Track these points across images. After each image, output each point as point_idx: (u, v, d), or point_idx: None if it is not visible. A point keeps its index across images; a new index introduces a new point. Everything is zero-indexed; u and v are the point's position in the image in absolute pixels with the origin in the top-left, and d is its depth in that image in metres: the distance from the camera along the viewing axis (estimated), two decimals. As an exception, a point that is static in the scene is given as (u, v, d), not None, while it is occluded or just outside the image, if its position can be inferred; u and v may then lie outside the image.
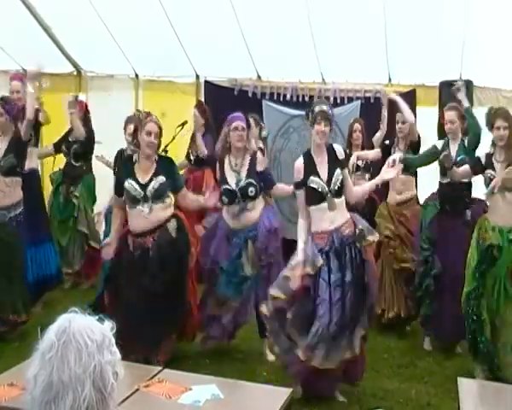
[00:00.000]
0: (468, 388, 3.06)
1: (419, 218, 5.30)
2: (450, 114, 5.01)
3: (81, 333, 1.47)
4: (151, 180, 4.22)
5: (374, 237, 4.01)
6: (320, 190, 3.95)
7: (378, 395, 4.23)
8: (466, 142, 4.98)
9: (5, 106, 5.05)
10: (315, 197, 3.97)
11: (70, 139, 6.35)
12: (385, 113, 5.95)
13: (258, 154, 4.79)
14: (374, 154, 5.79)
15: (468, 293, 4.37)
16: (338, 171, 3.98)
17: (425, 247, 5.06)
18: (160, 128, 4.31)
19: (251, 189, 4.57)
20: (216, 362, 4.62)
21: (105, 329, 1.54)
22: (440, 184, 5.09)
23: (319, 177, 3.97)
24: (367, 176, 6.11)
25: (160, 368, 3.04)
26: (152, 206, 4.19)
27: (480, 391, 3.21)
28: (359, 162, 6.03)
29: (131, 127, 4.85)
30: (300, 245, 3.97)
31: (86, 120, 6.34)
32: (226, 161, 4.67)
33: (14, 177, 5.05)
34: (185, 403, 2.73)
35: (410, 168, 5.22)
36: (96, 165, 6.42)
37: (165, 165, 4.33)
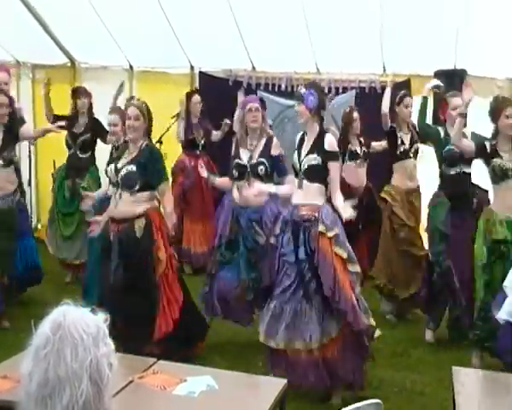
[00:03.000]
0: (462, 377, 3.06)
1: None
2: (458, 100, 4.85)
3: (76, 327, 1.45)
4: (123, 166, 4.10)
5: (332, 233, 3.94)
6: (294, 164, 4.09)
7: (373, 384, 4.25)
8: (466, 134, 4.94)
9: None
10: (294, 171, 4.12)
11: (75, 131, 6.27)
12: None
13: (275, 139, 4.79)
14: (383, 146, 5.95)
15: (480, 287, 4.36)
16: (314, 155, 3.98)
17: (439, 245, 4.96)
18: (143, 111, 4.14)
19: (261, 167, 4.61)
20: (211, 353, 4.63)
21: (99, 320, 1.54)
22: (446, 175, 4.98)
23: (299, 155, 4.05)
24: (365, 165, 6.15)
25: (154, 359, 3.04)
26: (122, 193, 4.08)
27: (474, 380, 3.23)
28: (358, 150, 6.07)
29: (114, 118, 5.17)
30: (272, 189, 4.32)
31: (90, 109, 6.34)
32: (243, 142, 4.72)
33: (11, 166, 5.19)
34: (180, 394, 2.72)
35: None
36: (99, 157, 6.37)
37: (146, 155, 4.13)
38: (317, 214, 3.93)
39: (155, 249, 4.15)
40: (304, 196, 4.01)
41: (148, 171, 4.12)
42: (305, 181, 4.00)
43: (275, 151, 4.66)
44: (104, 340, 1.52)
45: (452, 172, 4.94)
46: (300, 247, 3.92)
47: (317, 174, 4.00)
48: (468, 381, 3.11)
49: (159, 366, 2.96)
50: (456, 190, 4.92)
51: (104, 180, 6.00)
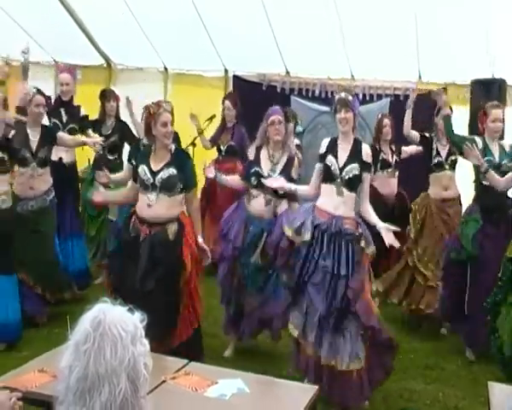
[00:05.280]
0: (499, 392, 2.98)
1: (459, 217, 5.20)
2: (499, 112, 4.77)
3: (116, 325, 1.47)
4: (162, 169, 4.07)
5: (371, 250, 3.92)
6: (332, 169, 3.98)
7: (404, 395, 4.18)
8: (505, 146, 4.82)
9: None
10: (327, 175, 4.01)
11: (103, 133, 6.28)
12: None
13: (296, 160, 4.66)
14: (414, 149, 5.86)
15: (494, 302, 4.27)
16: (355, 165, 3.95)
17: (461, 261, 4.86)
18: (172, 115, 4.18)
19: None
20: (241, 357, 4.61)
21: (136, 320, 1.54)
22: (485, 186, 4.74)
23: (336, 159, 3.99)
24: (396, 173, 6.08)
25: (187, 361, 3.04)
26: (159, 196, 4.03)
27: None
28: (389, 158, 6.00)
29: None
30: (293, 187, 4.24)
31: (117, 112, 6.36)
32: (263, 150, 4.60)
33: (47, 167, 5.19)
34: (211, 396, 2.72)
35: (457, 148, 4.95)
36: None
37: (180, 158, 4.15)
38: (358, 229, 3.91)
39: (185, 255, 4.10)
40: (345, 207, 3.95)
41: (186, 174, 4.14)
42: (344, 190, 3.95)
43: (295, 174, 4.57)
44: (141, 340, 1.54)
45: (488, 183, 4.78)
46: (342, 261, 3.84)
47: (356, 185, 3.98)
48: (506, 396, 3.02)
49: (191, 368, 2.96)
50: (496, 202, 4.77)
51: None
